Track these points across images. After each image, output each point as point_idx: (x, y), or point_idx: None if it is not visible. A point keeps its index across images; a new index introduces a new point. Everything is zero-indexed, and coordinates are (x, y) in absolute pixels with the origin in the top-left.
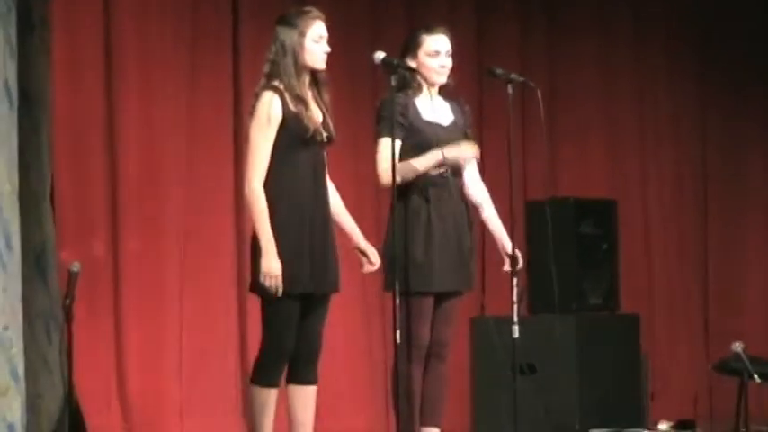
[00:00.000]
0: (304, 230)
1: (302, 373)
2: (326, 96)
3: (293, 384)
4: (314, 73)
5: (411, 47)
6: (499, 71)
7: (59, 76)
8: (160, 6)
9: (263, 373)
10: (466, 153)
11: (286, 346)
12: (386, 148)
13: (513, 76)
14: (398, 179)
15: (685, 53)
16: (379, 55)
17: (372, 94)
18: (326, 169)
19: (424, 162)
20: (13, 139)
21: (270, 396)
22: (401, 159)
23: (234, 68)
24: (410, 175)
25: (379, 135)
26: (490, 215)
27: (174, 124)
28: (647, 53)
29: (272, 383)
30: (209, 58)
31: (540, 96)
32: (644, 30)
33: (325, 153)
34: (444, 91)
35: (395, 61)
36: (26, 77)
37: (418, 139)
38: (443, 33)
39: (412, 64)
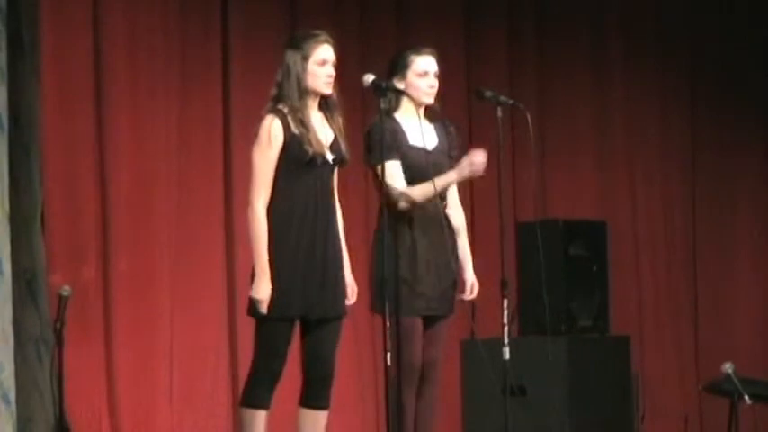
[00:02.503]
0: (300, 254)
1: (313, 397)
2: (338, 119)
3: (304, 408)
4: (324, 96)
5: (399, 67)
6: (488, 93)
7: (49, 100)
8: (149, 29)
9: (251, 395)
10: (478, 165)
11: (275, 369)
12: (395, 169)
13: (503, 98)
14: (419, 199)
15: (675, 71)
16: (369, 77)
17: (362, 114)
18: (333, 192)
19: (442, 182)
20: (3, 163)
21: (257, 418)
22: (391, 182)
23: (224, 90)
24: (429, 195)
25: (378, 160)
26: (462, 243)
27: (164, 147)
28: (637, 72)
29: (260, 405)
30: (200, 81)
31: (529, 119)
32: (634, 48)
33: (332, 176)
34: (430, 113)
35: (384, 84)
36: (16, 102)
37: (405, 163)
38: (431, 54)
39: (399, 85)
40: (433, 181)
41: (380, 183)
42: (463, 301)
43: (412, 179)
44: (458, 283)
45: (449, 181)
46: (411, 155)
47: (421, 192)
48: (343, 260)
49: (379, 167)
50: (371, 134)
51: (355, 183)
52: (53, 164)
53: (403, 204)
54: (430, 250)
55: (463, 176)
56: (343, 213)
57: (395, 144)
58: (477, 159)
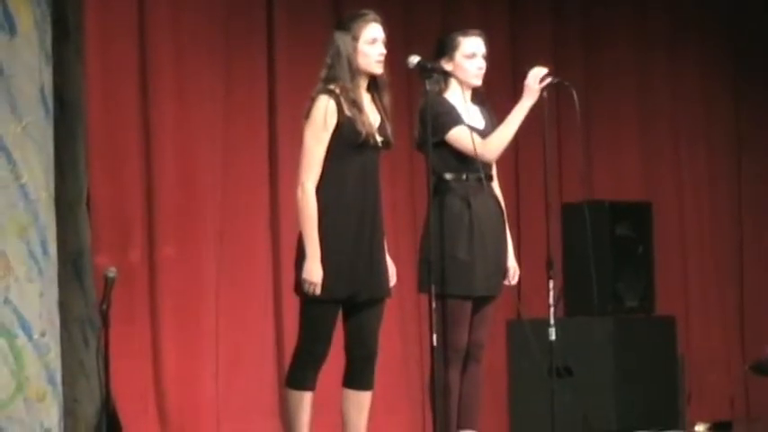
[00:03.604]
0: (350, 235)
1: (357, 377)
2: (386, 100)
3: (348, 388)
4: (373, 76)
5: (447, 49)
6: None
7: (94, 83)
8: (194, 12)
9: (296, 376)
10: (539, 75)
11: (319, 350)
12: (465, 134)
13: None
14: (503, 144)
15: (720, 56)
16: (414, 59)
17: (407, 97)
18: (379, 175)
19: (517, 115)
20: (49, 146)
21: (304, 399)
22: (435, 162)
23: (269, 73)
24: (509, 136)
25: (447, 128)
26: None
27: (209, 129)
28: (681, 55)
29: (305, 386)
30: (245, 63)
31: (575, 95)
32: (679, 32)
33: (379, 158)
34: (475, 96)
35: (429, 64)
36: (62, 84)
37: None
38: (479, 36)
39: (447, 67)
40: (507, 120)
41: (438, 159)
42: (505, 287)
43: (461, 158)
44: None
45: (523, 109)
46: None
47: (499, 137)
48: (385, 242)
49: (449, 136)
50: (433, 108)
51: (401, 166)
52: (98, 147)
53: (491, 155)
54: (486, 230)
55: (534, 96)
56: (388, 197)
57: (457, 115)
58: (537, 73)
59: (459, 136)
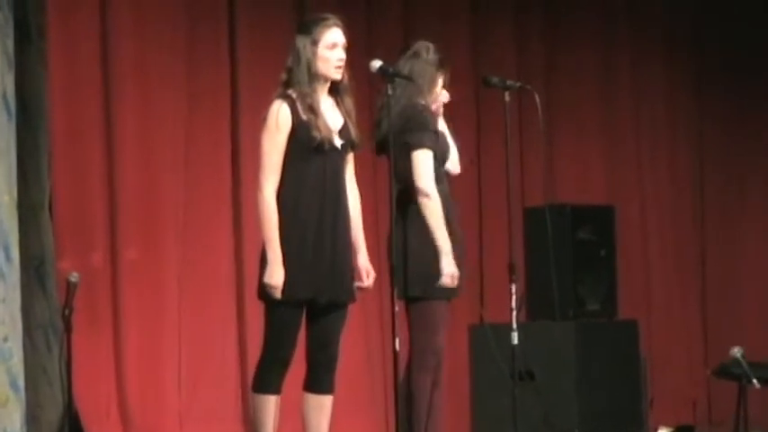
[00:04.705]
0: (309, 238)
1: (318, 381)
2: (349, 103)
3: (309, 393)
4: (335, 80)
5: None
6: (495, 80)
7: (57, 87)
8: (157, 16)
9: (262, 381)
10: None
11: (284, 354)
12: (429, 161)
13: (510, 83)
14: (431, 220)
15: (683, 59)
16: (376, 63)
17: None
18: (343, 177)
19: (444, 245)
20: (11, 150)
21: (269, 403)
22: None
23: (231, 77)
24: (435, 229)
25: (420, 146)
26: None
27: (172, 133)
28: (644, 59)
29: (271, 390)
30: (207, 67)
31: (537, 99)
32: (642, 36)
33: (342, 161)
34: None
35: (391, 69)
36: (24, 89)
37: (441, 149)
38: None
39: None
40: (442, 242)
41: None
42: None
43: (441, 162)
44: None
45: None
46: (440, 140)
47: (432, 224)
48: (351, 245)
49: (416, 153)
50: (413, 116)
51: (362, 169)
52: (61, 151)
53: (423, 201)
54: (456, 228)
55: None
56: (369, 202)
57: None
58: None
59: (423, 161)
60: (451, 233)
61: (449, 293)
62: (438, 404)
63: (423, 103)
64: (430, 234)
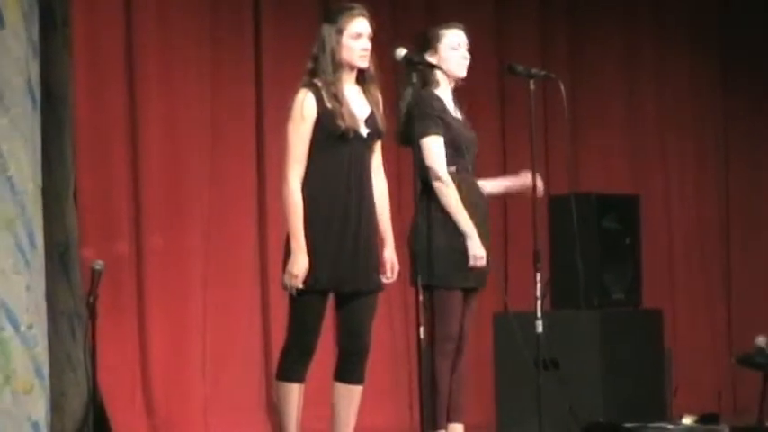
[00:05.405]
0: (334, 227)
1: (348, 371)
2: (375, 92)
3: (339, 382)
4: (361, 69)
5: (431, 43)
6: (520, 68)
7: (81, 75)
8: (181, 4)
9: (286, 369)
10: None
11: (309, 342)
12: (438, 147)
13: (534, 71)
14: (447, 201)
15: (708, 47)
16: (401, 51)
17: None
18: (368, 166)
19: (466, 228)
20: (36, 138)
21: (293, 391)
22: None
23: (256, 64)
24: (452, 209)
25: (425, 133)
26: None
27: (196, 121)
28: (669, 47)
29: (295, 379)
30: (232, 55)
31: (562, 87)
32: (666, 23)
33: (368, 150)
34: (459, 88)
35: (416, 58)
36: (49, 76)
37: (451, 135)
38: (460, 28)
39: (432, 60)
40: (463, 224)
41: (419, 155)
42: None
43: (456, 150)
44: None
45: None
46: (455, 126)
47: (448, 204)
48: (377, 234)
49: (424, 141)
50: (419, 106)
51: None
52: (85, 138)
53: (437, 186)
54: (475, 222)
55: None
56: (394, 192)
57: (440, 117)
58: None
59: (431, 147)
60: (477, 225)
61: (458, 282)
62: (458, 390)
63: (433, 91)
64: (449, 220)
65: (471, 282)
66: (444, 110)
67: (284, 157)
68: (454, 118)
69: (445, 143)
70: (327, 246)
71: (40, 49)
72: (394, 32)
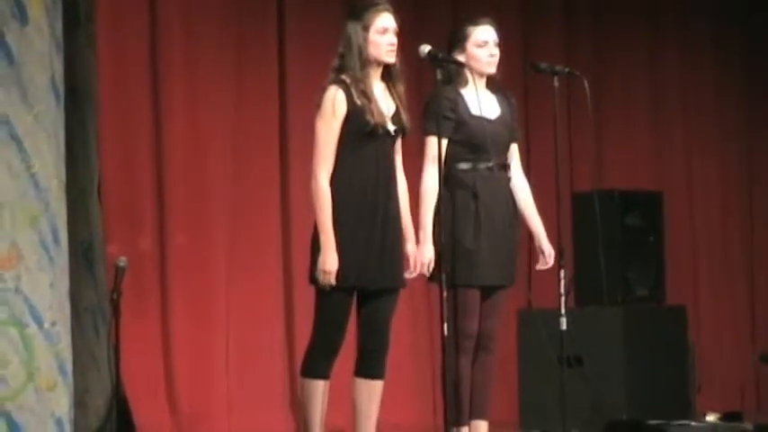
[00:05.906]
0: (362, 224)
1: (369, 366)
2: (400, 88)
3: (359, 377)
4: (387, 65)
5: (458, 39)
6: (544, 66)
7: (105, 71)
8: (205, 1)
9: (311, 365)
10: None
11: (334, 340)
12: (434, 147)
13: (558, 68)
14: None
15: (732, 46)
16: (425, 48)
17: (417, 87)
18: (394, 163)
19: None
20: (60, 134)
21: (318, 388)
22: (448, 155)
23: (280, 58)
24: (424, 215)
25: (426, 132)
26: (532, 213)
27: (220, 118)
28: (693, 45)
29: (320, 375)
30: (256, 51)
31: (586, 84)
32: (691, 21)
33: (394, 146)
34: (491, 83)
35: (440, 54)
36: (73, 72)
37: (467, 133)
38: (489, 24)
39: (460, 57)
40: (426, 221)
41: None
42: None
43: (473, 148)
44: (519, 253)
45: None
46: (473, 124)
47: (424, 208)
48: (402, 232)
49: (425, 139)
50: (427, 104)
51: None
52: (110, 134)
53: (429, 183)
54: (493, 219)
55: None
56: (414, 187)
57: (448, 116)
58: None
59: (426, 146)
60: (490, 222)
61: (477, 280)
62: (481, 389)
63: (452, 88)
64: (459, 219)
65: (487, 280)
66: (456, 108)
67: (314, 153)
68: (473, 116)
69: (457, 141)
70: (356, 243)
71: (63, 46)
72: (419, 30)
